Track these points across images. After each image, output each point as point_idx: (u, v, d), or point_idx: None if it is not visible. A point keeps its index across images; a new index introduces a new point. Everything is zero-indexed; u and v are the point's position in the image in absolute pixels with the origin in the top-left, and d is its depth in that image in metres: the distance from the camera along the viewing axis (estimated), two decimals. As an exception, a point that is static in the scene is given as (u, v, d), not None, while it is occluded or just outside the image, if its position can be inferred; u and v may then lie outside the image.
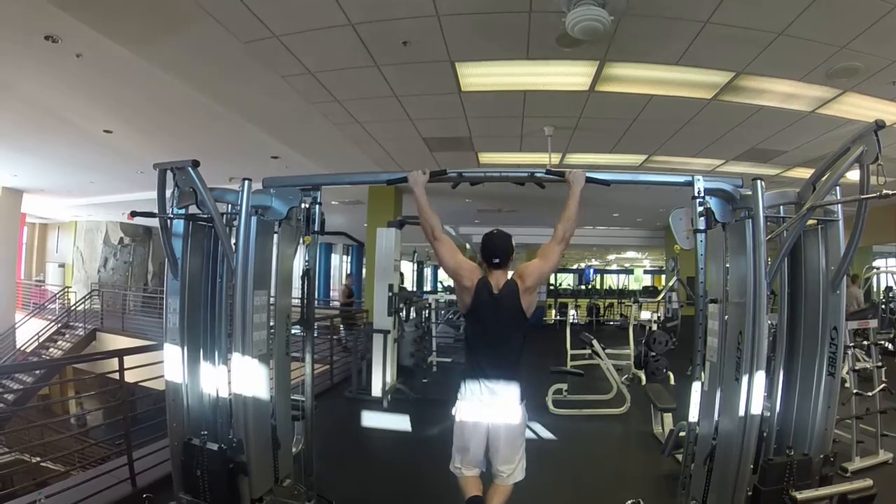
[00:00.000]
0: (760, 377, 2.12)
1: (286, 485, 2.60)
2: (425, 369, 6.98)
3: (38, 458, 5.55)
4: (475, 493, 2.41)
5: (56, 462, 5.57)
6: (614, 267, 30.63)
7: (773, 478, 2.12)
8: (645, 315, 7.48)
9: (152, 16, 3.63)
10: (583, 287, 25.32)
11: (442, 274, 24.09)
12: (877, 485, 2.15)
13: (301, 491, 2.61)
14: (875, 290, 11.16)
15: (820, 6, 3.26)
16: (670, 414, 4.20)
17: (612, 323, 15.02)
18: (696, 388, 2.44)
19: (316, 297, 2.89)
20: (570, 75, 4.57)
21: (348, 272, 20.07)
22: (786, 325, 2.36)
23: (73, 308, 12.38)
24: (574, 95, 4.95)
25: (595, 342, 5.64)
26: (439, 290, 21.32)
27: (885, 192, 1.72)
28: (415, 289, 11.07)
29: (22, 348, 11.37)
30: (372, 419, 5.20)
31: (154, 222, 2.39)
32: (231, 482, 2.28)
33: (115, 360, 3.49)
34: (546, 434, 4.61)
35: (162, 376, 2.46)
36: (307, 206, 2.64)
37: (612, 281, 29.22)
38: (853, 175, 2.02)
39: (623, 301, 17.30)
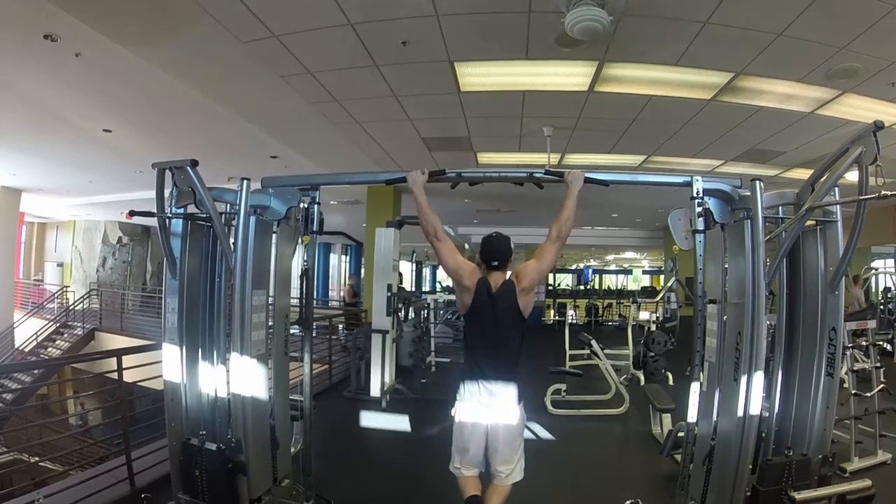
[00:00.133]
0: (759, 377, 2.12)
1: (285, 485, 2.60)
2: (424, 369, 6.98)
3: (37, 458, 5.53)
4: (474, 492, 2.42)
5: (54, 462, 5.54)
6: (613, 267, 30.66)
7: (771, 478, 2.12)
8: (644, 315, 7.48)
9: (152, 15, 3.62)
10: (581, 287, 25.35)
11: (441, 274, 24.13)
12: (875, 485, 2.16)
13: (300, 491, 2.61)
14: (873, 290, 11.19)
15: (819, 7, 3.27)
16: (669, 414, 4.20)
17: (610, 323, 15.03)
18: (694, 388, 2.45)
19: (315, 296, 2.89)
20: (569, 75, 4.58)
21: (353, 272, 20.04)
22: (784, 326, 2.36)
23: (71, 307, 12.37)
24: (573, 96, 4.95)
25: (594, 342, 5.64)
26: (438, 290, 21.35)
27: (883, 192, 1.73)
28: (413, 289, 11.06)
29: (20, 348, 11.35)
30: (370, 419, 5.20)
31: (153, 222, 2.39)
32: (230, 482, 2.28)
33: (114, 359, 3.49)
34: (545, 434, 4.61)
35: (160, 376, 2.46)
36: (306, 205, 2.63)
37: (610, 281, 29.26)
38: (852, 176, 2.02)
39: (622, 301, 17.31)
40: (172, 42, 4.00)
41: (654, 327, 6.44)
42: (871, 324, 4.18)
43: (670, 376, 5.97)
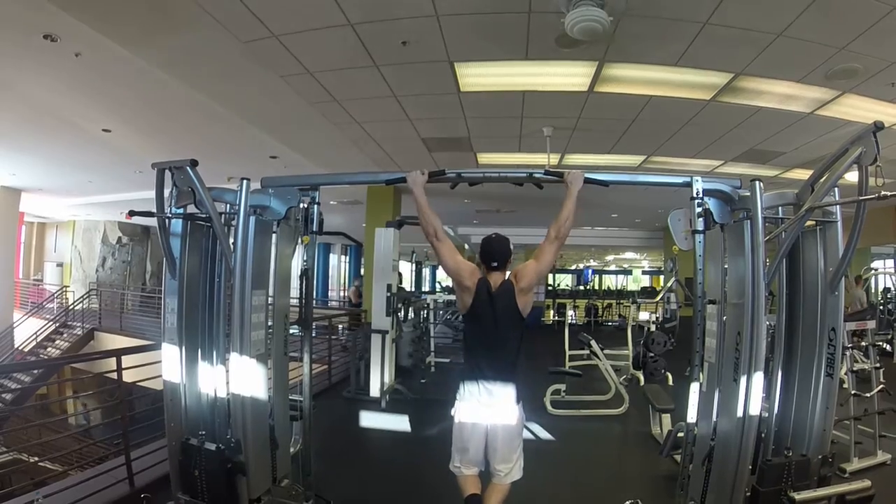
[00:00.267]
0: (759, 378, 2.12)
1: (284, 485, 2.60)
2: (423, 369, 6.97)
3: (36, 458, 5.53)
4: (473, 491, 2.43)
5: (54, 462, 5.53)
6: (613, 267, 30.67)
7: (771, 478, 2.12)
8: (643, 316, 7.46)
9: (151, 15, 3.62)
10: (581, 287, 25.35)
11: (440, 274, 24.14)
12: (875, 485, 2.16)
13: (299, 491, 2.61)
14: (873, 291, 11.19)
15: (819, 7, 3.27)
16: (668, 414, 4.20)
17: (610, 323, 15.01)
18: (694, 388, 2.45)
19: (314, 296, 2.89)
20: (568, 76, 4.58)
21: (356, 273, 20.07)
22: (784, 326, 2.36)
23: (71, 307, 12.37)
24: (573, 96, 4.95)
25: (593, 343, 5.64)
26: (437, 290, 21.37)
27: (883, 193, 1.73)
28: (413, 289, 11.06)
29: (20, 348, 11.35)
30: (370, 419, 5.20)
31: (152, 222, 2.39)
32: (229, 482, 2.28)
33: (113, 359, 3.48)
34: (544, 434, 4.61)
35: (160, 376, 2.46)
36: (306, 205, 2.63)
37: (610, 281, 29.26)
38: (852, 176, 2.02)
39: (621, 302, 17.27)
40: (172, 42, 4.00)
41: (653, 327, 6.43)
42: (871, 324, 4.18)
43: (670, 376, 5.96)
